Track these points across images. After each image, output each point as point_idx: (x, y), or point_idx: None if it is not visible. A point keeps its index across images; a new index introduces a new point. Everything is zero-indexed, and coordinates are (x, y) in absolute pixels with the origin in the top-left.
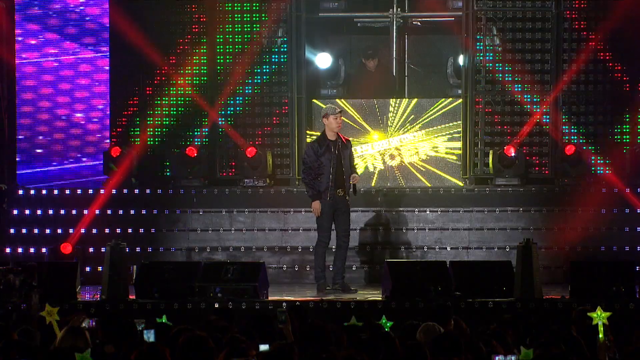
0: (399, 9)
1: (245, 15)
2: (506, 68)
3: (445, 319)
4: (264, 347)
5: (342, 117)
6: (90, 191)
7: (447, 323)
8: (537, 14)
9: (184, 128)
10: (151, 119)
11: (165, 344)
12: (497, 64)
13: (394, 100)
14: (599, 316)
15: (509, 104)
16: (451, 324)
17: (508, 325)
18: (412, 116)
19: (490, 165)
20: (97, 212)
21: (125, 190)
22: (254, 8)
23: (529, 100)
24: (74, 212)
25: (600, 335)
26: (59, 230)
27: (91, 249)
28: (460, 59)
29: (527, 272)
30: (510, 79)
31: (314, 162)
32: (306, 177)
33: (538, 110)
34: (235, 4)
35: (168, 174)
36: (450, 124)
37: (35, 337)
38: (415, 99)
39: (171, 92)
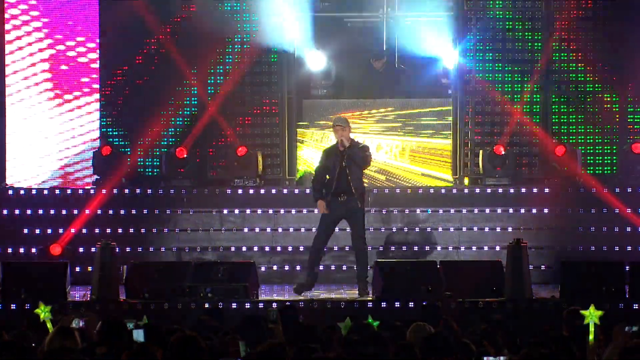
0: (389, 9)
1: (235, 15)
2: (496, 67)
3: (435, 319)
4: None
5: (341, 130)
6: (81, 191)
7: (437, 323)
8: (526, 14)
9: (174, 128)
10: (142, 119)
11: (157, 344)
12: (487, 64)
13: (383, 100)
14: (592, 314)
15: (499, 104)
16: (441, 324)
17: (498, 325)
18: (403, 115)
19: (481, 165)
20: (87, 212)
21: (115, 191)
22: (244, 8)
23: (519, 100)
24: (64, 212)
25: (591, 337)
26: (49, 230)
27: (81, 249)
28: (450, 59)
29: (517, 272)
30: (500, 78)
31: (322, 167)
32: (313, 181)
33: (528, 109)
34: (226, 4)
35: (156, 172)
36: (440, 121)
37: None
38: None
39: (162, 91)
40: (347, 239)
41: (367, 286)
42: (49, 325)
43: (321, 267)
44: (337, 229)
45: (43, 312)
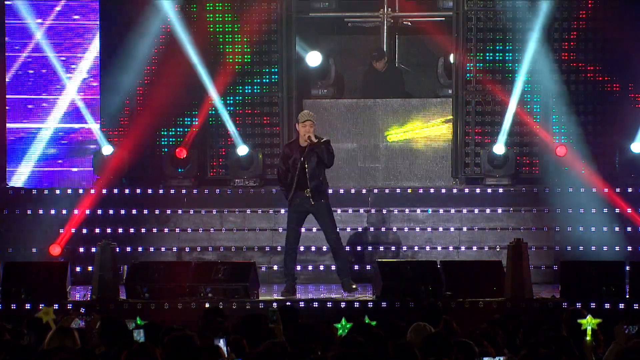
0: (389, 9)
1: (235, 15)
2: (497, 67)
3: (435, 318)
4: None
5: (310, 125)
6: (81, 191)
7: (437, 323)
8: (527, 13)
9: (174, 127)
10: (141, 118)
11: (157, 344)
12: (487, 64)
13: (383, 100)
14: (589, 322)
15: (500, 104)
16: (441, 324)
17: (498, 325)
18: (403, 115)
19: (481, 165)
20: (87, 212)
21: (115, 190)
22: (244, 8)
23: (519, 99)
24: (64, 212)
25: (588, 338)
26: (49, 230)
27: (81, 249)
28: (451, 59)
29: (517, 271)
30: (500, 78)
31: (285, 165)
32: (280, 181)
33: (528, 109)
34: (226, 4)
35: (157, 172)
36: (440, 121)
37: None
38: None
39: (161, 91)
40: (346, 238)
41: (350, 280)
42: (52, 326)
43: (321, 267)
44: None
45: (46, 314)
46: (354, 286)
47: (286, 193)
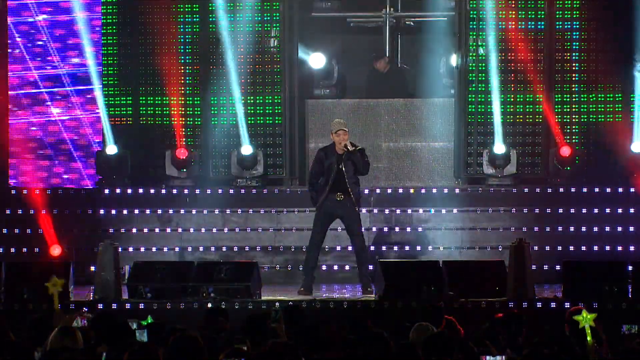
0: (392, 9)
1: (238, 14)
2: (499, 67)
3: (438, 318)
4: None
5: (343, 134)
6: (83, 191)
7: (439, 323)
8: (529, 13)
9: (176, 128)
10: (143, 118)
11: (158, 343)
12: (489, 64)
13: (386, 100)
14: (585, 318)
15: (501, 104)
16: (444, 324)
17: (501, 325)
18: (404, 115)
19: (483, 165)
20: (89, 212)
21: (118, 190)
22: (246, 7)
23: (522, 100)
24: (66, 212)
25: (589, 339)
26: (52, 230)
27: (84, 249)
28: (453, 59)
29: (520, 272)
30: (502, 78)
31: (319, 168)
32: (310, 183)
33: (531, 109)
34: (228, 3)
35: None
36: (442, 121)
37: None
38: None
39: (164, 91)
40: (349, 239)
41: (370, 285)
42: (55, 298)
43: (324, 267)
44: (338, 229)
45: (54, 285)
46: (369, 289)
47: (316, 195)
